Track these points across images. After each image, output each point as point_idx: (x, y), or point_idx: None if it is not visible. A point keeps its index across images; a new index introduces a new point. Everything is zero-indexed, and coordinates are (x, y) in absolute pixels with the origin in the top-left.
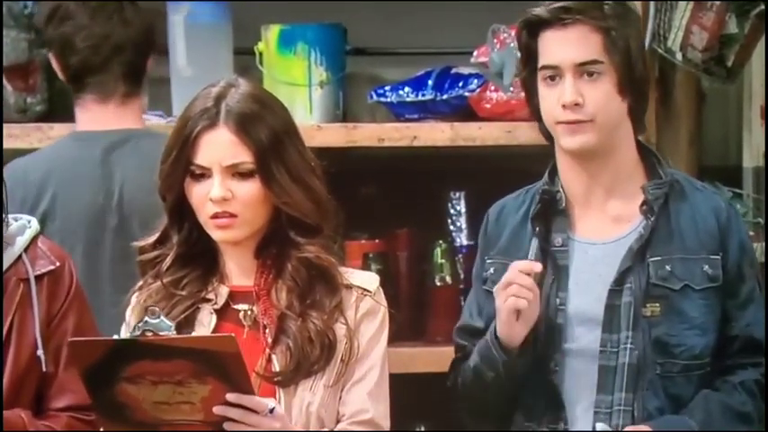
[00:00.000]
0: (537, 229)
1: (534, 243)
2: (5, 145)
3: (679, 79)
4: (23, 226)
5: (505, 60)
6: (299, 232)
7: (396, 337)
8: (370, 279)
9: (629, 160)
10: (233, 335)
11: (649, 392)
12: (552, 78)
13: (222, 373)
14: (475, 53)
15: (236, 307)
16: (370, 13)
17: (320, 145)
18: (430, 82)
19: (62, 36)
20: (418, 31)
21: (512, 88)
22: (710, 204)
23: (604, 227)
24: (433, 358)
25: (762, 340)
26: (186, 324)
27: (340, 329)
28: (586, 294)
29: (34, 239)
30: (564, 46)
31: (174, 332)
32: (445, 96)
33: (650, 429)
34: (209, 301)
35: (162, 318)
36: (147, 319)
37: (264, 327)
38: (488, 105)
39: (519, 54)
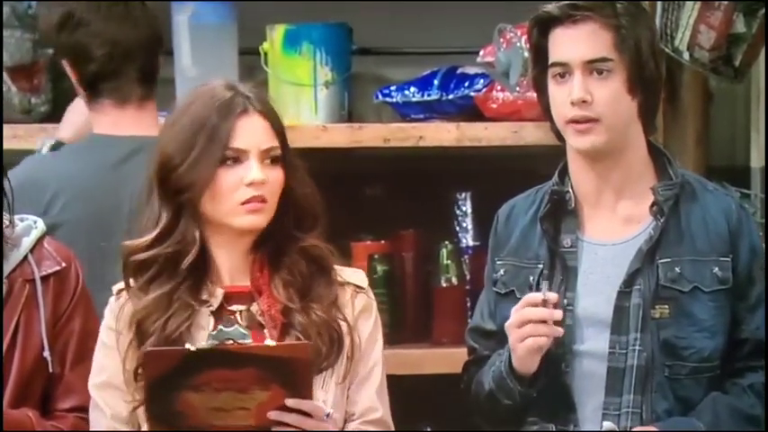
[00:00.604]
0: (546, 230)
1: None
2: (10, 146)
3: (686, 79)
4: (29, 227)
5: (512, 60)
6: (301, 227)
7: (401, 339)
8: (360, 276)
9: (640, 160)
10: (309, 342)
11: (658, 395)
12: (562, 76)
13: (286, 380)
14: (481, 53)
15: (231, 308)
16: (375, 12)
17: (326, 145)
18: (436, 82)
19: (77, 44)
20: (424, 31)
21: (518, 88)
22: (721, 206)
23: (614, 228)
24: (439, 359)
25: None
26: (187, 330)
27: (341, 326)
28: (595, 295)
29: (40, 240)
30: (573, 43)
31: (251, 339)
32: (451, 96)
33: (658, 431)
34: (205, 302)
35: (237, 326)
36: (221, 327)
37: (265, 324)
38: (494, 105)
39: (526, 54)
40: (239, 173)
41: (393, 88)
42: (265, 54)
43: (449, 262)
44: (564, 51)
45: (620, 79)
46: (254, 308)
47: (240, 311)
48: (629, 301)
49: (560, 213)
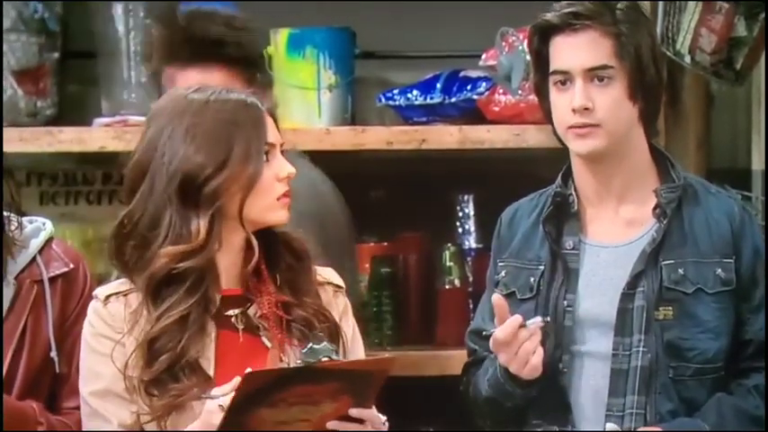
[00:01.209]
0: (549, 232)
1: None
2: (16, 148)
3: (688, 82)
4: (38, 228)
5: (514, 63)
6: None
7: (404, 340)
8: (335, 274)
9: (642, 164)
10: (394, 356)
11: (662, 396)
12: (563, 83)
13: (359, 392)
14: (483, 56)
15: (227, 313)
16: (378, 16)
17: (329, 148)
18: (438, 85)
19: None
20: (427, 35)
21: (520, 91)
22: (724, 208)
23: (617, 230)
24: (442, 361)
25: None
26: (198, 342)
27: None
28: (598, 297)
29: (48, 242)
30: (574, 51)
31: (339, 356)
32: (454, 99)
33: (662, 431)
34: (207, 309)
35: (325, 342)
36: (312, 345)
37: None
38: (497, 108)
39: (528, 57)
40: (273, 168)
41: (396, 91)
42: (269, 58)
43: (451, 264)
44: (565, 59)
45: (621, 86)
46: (251, 310)
47: (236, 315)
48: (632, 302)
49: (563, 216)
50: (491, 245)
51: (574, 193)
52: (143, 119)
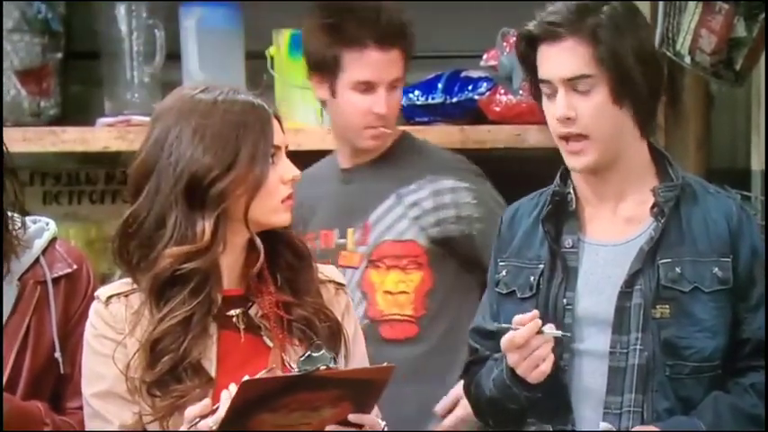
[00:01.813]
0: (548, 231)
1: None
2: (20, 148)
3: (687, 82)
4: (42, 228)
5: (514, 64)
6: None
7: None
8: (336, 272)
9: (640, 163)
10: (393, 365)
11: (659, 394)
12: (549, 92)
13: (359, 398)
14: (484, 56)
15: (228, 313)
16: None
17: (331, 148)
18: (440, 85)
19: None
20: (428, 35)
21: (521, 91)
22: (722, 208)
23: (615, 228)
24: None
25: None
26: (200, 342)
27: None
28: (596, 295)
29: (52, 242)
30: (554, 61)
31: (338, 364)
32: (455, 99)
33: (659, 430)
34: (209, 310)
35: (324, 350)
36: (310, 353)
37: (266, 326)
38: (498, 108)
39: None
40: (278, 170)
41: None
42: (272, 58)
43: None
44: (547, 69)
45: (604, 92)
46: (252, 310)
47: (238, 315)
48: (630, 300)
49: (562, 214)
50: None
51: (572, 192)
52: (146, 119)
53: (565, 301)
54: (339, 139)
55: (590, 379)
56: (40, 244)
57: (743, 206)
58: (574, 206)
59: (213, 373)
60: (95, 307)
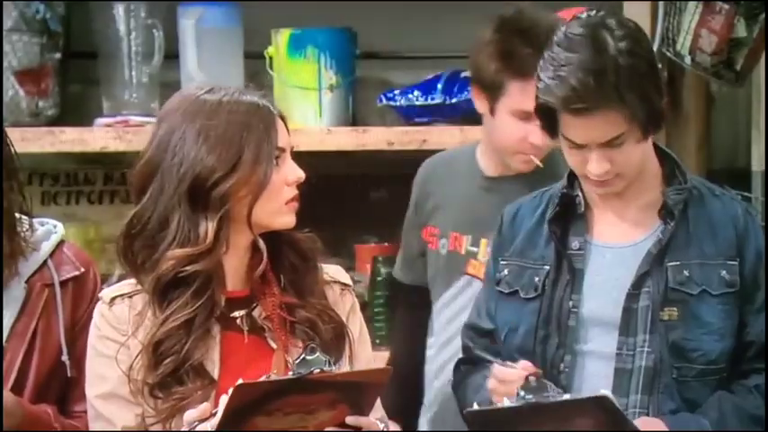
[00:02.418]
0: (554, 232)
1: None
2: (18, 149)
3: (688, 83)
4: (49, 231)
5: None
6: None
7: None
8: (343, 273)
9: (649, 168)
10: (389, 367)
11: (665, 395)
12: (577, 146)
13: (355, 401)
14: None
15: (232, 315)
16: (379, 17)
17: (330, 148)
18: (439, 86)
19: None
20: (428, 35)
21: None
22: (728, 211)
23: (622, 231)
24: None
25: None
26: (202, 344)
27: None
28: (602, 297)
29: (60, 245)
30: (584, 129)
31: (334, 367)
32: (454, 100)
33: (663, 423)
34: (212, 312)
35: (318, 353)
36: (304, 356)
37: (270, 327)
38: None
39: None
40: (283, 172)
41: (397, 92)
42: (270, 58)
43: None
44: (578, 136)
45: (635, 137)
46: (256, 311)
47: (241, 316)
48: (637, 303)
49: (569, 216)
50: None
51: (580, 194)
52: (144, 119)
53: (571, 303)
54: (490, 149)
55: (594, 380)
56: (47, 246)
57: (748, 209)
58: (582, 209)
59: (216, 375)
60: (99, 308)
